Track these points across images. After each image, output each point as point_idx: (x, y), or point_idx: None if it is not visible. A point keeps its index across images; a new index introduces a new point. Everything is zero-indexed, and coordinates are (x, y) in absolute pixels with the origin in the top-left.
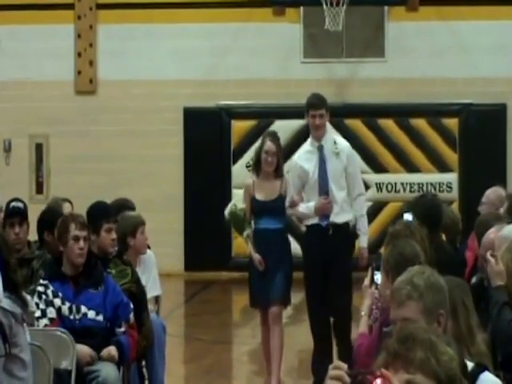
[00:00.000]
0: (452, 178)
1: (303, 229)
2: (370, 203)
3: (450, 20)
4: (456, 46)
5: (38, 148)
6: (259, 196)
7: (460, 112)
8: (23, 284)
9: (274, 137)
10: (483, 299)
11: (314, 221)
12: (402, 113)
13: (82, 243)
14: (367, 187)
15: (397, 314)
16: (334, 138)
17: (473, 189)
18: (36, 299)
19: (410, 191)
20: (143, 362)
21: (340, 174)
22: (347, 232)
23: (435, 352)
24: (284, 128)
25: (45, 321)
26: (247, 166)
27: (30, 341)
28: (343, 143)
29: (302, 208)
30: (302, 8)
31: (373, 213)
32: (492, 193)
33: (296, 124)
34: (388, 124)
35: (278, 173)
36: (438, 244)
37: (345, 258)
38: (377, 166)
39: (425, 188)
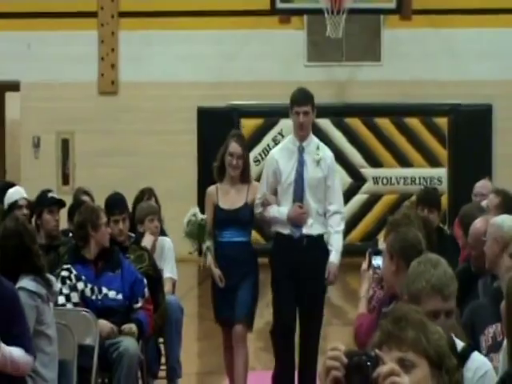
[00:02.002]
0: (442, 172)
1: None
2: (366, 196)
3: (441, 28)
4: (446, 52)
5: (65, 144)
6: (223, 204)
7: (449, 112)
8: (50, 268)
9: (239, 137)
10: (469, 284)
11: (285, 230)
12: (396, 112)
13: (109, 228)
14: (364, 181)
15: (442, 306)
16: (317, 143)
17: (461, 182)
18: (60, 284)
19: (404, 184)
20: (160, 339)
21: (318, 184)
22: (322, 245)
23: (425, 332)
24: (288, 126)
25: (69, 306)
26: (255, 161)
27: (57, 320)
28: (326, 151)
29: (274, 211)
30: (305, 16)
31: (369, 204)
32: (487, 183)
33: None
34: (384, 122)
35: (244, 177)
36: (440, 231)
37: (318, 272)
38: (373, 161)
39: (417, 181)
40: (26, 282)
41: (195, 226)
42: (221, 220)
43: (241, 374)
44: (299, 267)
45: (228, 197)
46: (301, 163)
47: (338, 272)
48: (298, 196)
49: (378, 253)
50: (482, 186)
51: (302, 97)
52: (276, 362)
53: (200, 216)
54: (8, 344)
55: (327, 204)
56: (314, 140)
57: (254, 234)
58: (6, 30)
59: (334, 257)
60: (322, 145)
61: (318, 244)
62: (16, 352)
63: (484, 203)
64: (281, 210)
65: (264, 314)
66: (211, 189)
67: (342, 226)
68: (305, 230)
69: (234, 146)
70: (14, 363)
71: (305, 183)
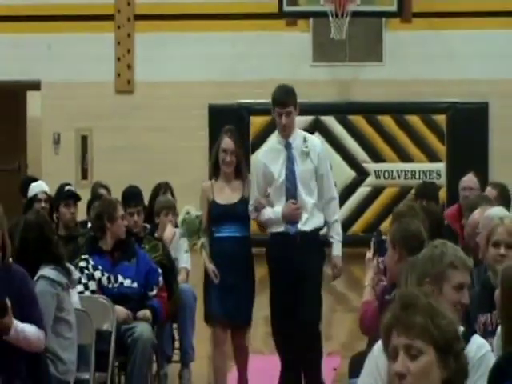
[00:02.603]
0: (440, 166)
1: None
2: (369, 189)
3: (439, 30)
4: (444, 52)
5: (83, 140)
6: (219, 199)
7: (448, 109)
8: (70, 257)
9: (233, 133)
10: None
11: (280, 228)
12: (397, 110)
13: (125, 221)
14: (367, 175)
15: (467, 279)
16: (304, 135)
17: (459, 176)
18: (78, 274)
19: (404, 178)
20: (174, 325)
21: (310, 176)
22: (317, 240)
23: (434, 317)
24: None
25: (87, 293)
26: None
27: (76, 307)
28: (314, 141)
29: (268, 213)
30: (311, 19)
31: (372, 197)
32: (473, 177)
33: (305, 119)
34: (385, 120)
35: (239, 173)
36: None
37: (315, 269)
38: (375, 156)
39: (417, 175)
40: (47, 271)
41: (190, 223)
42: (217, 215)
43: (244, 370)
44: (296, 262)
45: (223, 193)
46: (290, 159)
47: (342, 264)
48: (291, 193)
49: (381, 243)
50: (469, 179)
51: (284, 97)
52: (281, 362)
53: (194, 213)
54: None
55: (321, 192)
56: (299, 133)
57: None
58: (28, 32)
59: (337, 249)
60: (309, 135)
61: (313, 239)
62: (28, 328)
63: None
64: (275, 210)
65: None
66: (206, 184)
67: (338, 213)
68: (300, 226)
69: (227, 142)
70: (26, 339)
71: (297, 179)
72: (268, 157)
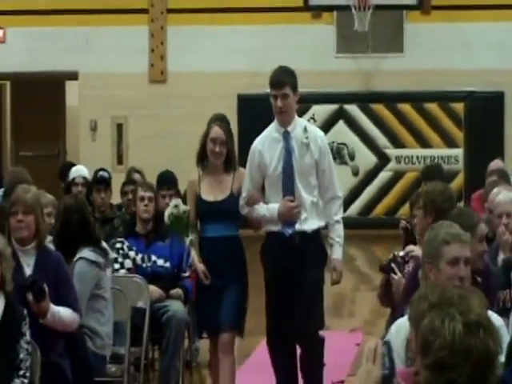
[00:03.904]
0: (458, 152)
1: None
2: (390, 173)
3: (457, 22)
4: (462, 43)
5: (119, 127)
6: (206, 195)
7: (465, 98)
8: (106, 239)
9: (222, 121)
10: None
11: (276, 228)
12: (417, 98)
13: (146, 201)
14: (388, 160)
15: (463, 252)
16: (304, 125)
17: (476, 162)
18: (115, 254)
19: (424, 163)
20: None
21: (309, 170)
22: (318, 241)
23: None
24: (320, 111)
25: (123, 271)
26: None
27: (113, 285)
28: (316, 131)
29: (262, 209)
30: (335, 12)
31: (392, 181)
32: (500, 162)
33: (330, 108)
34: (406, 108)
35: (228, 167)
36: None
37: (315, 272)
38: (396, 143)
39: (436, 161)
40: (86, 253)
41: (177, 219)
42: (204, 213)
43: None
44: (292, 268)
45: (211, 188)
46: (288, 151)
47: (342, 269)
48: (289, 188)
49: (402, 264)
50: (495, 164)
51: (279, 78)
52: (276, 378)
53: (182, 208)
54: (57, 304)
55: (323, 190)
56: (299, 122)
57: None
58: (67, 26)
59: (338, 252)
60: (310, 125)
61: (313, 242)
62: (64, 311)
63: None
64: (270, 208)
65: None
66: (193, 177)
67: (341, 213)
68: (298, 226)
69: (216, 131)
70: (61, 321)
71: (295, 173)
72: (264, 144)
